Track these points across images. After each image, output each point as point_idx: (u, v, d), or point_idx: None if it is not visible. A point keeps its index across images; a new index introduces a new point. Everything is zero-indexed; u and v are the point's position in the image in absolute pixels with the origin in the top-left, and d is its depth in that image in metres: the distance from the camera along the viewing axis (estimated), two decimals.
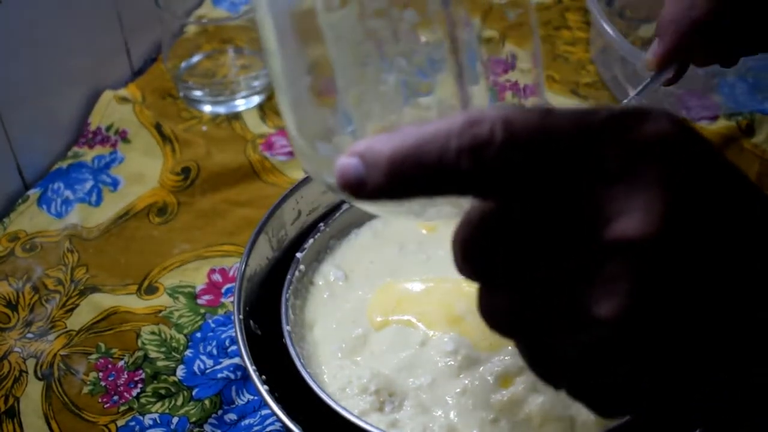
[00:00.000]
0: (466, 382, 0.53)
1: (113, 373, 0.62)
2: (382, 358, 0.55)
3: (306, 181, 0.64)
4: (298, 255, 0.61)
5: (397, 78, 0.41)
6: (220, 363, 0.62)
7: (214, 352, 0.63)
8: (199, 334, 0.64)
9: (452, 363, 0.53)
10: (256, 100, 0.84)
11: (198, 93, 0.84)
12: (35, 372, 0.62)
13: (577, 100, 0.84)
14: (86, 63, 0.82)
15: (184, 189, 0.76)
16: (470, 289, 0.58)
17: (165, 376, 0.62)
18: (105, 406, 0.60)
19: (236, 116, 0.83)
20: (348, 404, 0.52)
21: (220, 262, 0.70)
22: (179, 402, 0.60)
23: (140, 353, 0.63)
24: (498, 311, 0.33)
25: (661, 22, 0.58)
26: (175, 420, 0.59)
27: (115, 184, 0.77)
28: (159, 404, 0.60)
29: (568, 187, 0.30)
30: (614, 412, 0.34)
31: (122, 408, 0.60)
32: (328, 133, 0.41)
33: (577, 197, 0.30)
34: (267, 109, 0.84)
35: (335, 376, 0.55)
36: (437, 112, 0.42)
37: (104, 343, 0.64)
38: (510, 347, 0.54)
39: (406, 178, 0.31)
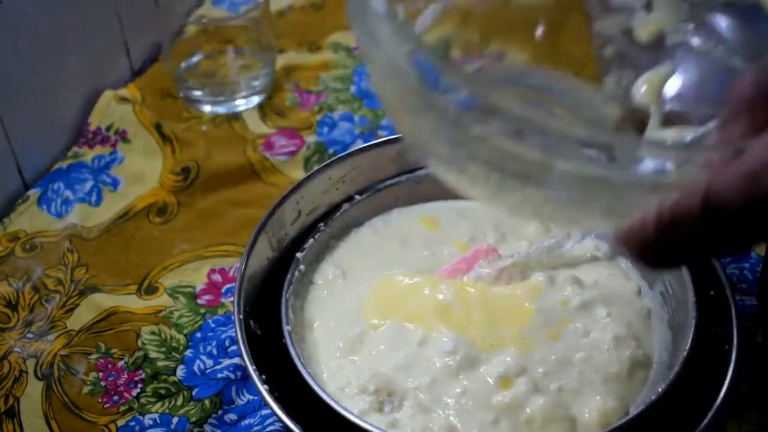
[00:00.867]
0: (466, 383, 0.53)
1: (113, 373, 0.62)
2: (381, 358, 0.55)
3: (306, 181, 0.64)
4: (298, 255, 0.61)
5: None
6: (220, 363, 0.62)
7: (214, 352, 0.63)
8: (199, 334, 0.64)
9: (451, 363, 0.53)
10: (256, 100, 0.84)
11: (198, 93, 0.83)
12: (35, 372, 0.62)
13: None
14: (86, 63, 0.82)
15: (184, 189, 0.76)
16: (463, 284, 0.58)
17: (165, 376, 0.62)
18: (105, 406, 0.60)
19: (236, 116, 0.83)
20: (348, 404, 0.52)
21: (220, 262, 0.70)
22: (179, 402, 0.60)
23: (140, 353, 0.63)
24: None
25: None
26: (175, 420, 0.59)
27: (115, 184, 0.77)
28: (159, 404, 0.60)
29: None
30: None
31: (122, 408, 0.60)
32: None
33: None
34: (267, 109, 0.84)
35: (334, 375, 0.55)
36: None
37: (104, 343, 0.64)
38: (510, 347, 0.54)
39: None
